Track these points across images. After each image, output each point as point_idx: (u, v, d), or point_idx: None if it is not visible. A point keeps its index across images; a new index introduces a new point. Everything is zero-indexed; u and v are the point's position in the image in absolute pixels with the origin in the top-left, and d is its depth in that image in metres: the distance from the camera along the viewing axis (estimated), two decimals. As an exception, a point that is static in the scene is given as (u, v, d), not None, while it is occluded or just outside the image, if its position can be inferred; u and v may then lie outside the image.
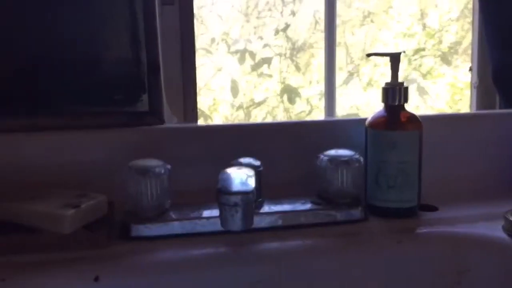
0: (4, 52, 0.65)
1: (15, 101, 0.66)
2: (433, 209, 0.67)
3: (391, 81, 0.65)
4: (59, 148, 0.65)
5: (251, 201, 0.43)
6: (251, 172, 0.48)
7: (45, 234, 0.55)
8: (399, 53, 0.65)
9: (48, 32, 0.65)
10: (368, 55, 0.66)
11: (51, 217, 0.55)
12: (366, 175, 0.65)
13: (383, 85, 0.65)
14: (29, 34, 0.65)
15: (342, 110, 1.21)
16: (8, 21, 0.64)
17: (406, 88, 0.65)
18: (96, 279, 0.52)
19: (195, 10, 0.82)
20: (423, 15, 1.28)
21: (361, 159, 0.63)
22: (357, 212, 0.63)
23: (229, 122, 0.93)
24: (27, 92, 0.66)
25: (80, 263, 0.53)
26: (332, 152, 0.64)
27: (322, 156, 0.64)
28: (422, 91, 1.30)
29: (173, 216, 0.60)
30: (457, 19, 1.26)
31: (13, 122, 0.65)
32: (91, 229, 0.56)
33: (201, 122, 0.91)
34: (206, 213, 0.60)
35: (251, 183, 0.45)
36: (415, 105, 1.30)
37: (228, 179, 0.46)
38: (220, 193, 0.43)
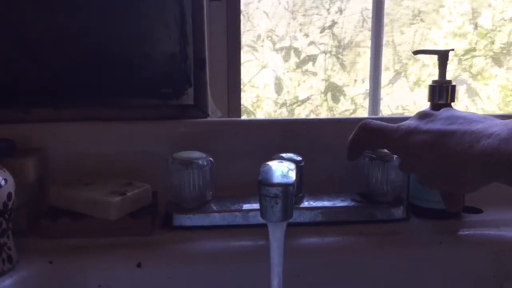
0: (62, 48, 0.67)
1: (71, 93, 0.69)
2: (478, 211, 0.66)
3: (439, 79, 0.64)
4: (109, 138, 0.68)
5: (291, 193, 0.44)
6: (292, 165, 0.48)
7: (92, 220, 0.57)
8: (447, 51, 0.63)
9: (103, 29, 0.68)
10: (415, 52, 0.65)
11: (98, 204, 0.57)
12: (409, 174, 0.64)
13: (430, 82, 0.64)
14: (84, 30, 0.67)
15: (388, 110, 1.20)
16: (66, 20, 0.67)
17: (454, 87, 0.63)
18: (139, 265, 0.54)
19: (242, 7, 0.83)
20: (475, 14, 1.24)
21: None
22: (398, 211, 0.63)
23: (272, 117, 0.94)
24: (83, 84, 0.69)
25: (124, 249, 0.55)
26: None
27: (364, 154, 0.63)
28: (472, 92, 1.26)
29: (214, 207, 0.61)
30: (511, 19, 1.22)
31: (68, 112, 0.68)
32: (136, 217, 0.58)
33: (244, 118, 0.92)
34: (247, 206, 0.61)
35: (292, 175, 0.46)
36: (465, 106, 1.26)
37: (269, 171, 0.47)
38: (261, 185, 0.44)
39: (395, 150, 0.51)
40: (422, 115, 0.49)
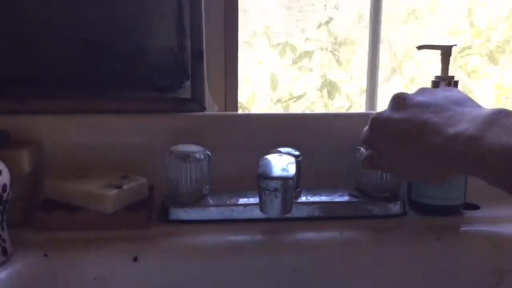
0: (58, 39, 0.67)
1: (67, 85, 0.68)
2: (475, 207, 0.66)
3: (441, 74, 0.64)
4: (105, 130, 0.67)
5: (290, 187, 0.43)
6: (291, 159, 0.48)
7: (88, 213, 0.57)
8: (450, 46, 0.63)
9: (99, 21, 0.67)
10: (419, 47, 0.65)
11: (94, 197, 0.57)
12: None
13: (432, 78, 0.64)
14: (81, 21, 0.67)
15: (383, 107, 1.19)
16: (63, 11, 0.66)
17: (456, 82, 0.63)
18: (135, 259, 0.53)
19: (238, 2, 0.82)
20: (470, 13, 1.25)
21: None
22: (395, 207, 0.62)
23: (269, 112, 0.94)
24: (79, 76, 0.68)
25: (120, 243, 0.55)
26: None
27: (362, 149, 0.63)
28: (467, 90, 1.27)
29: (211, 201, 0.61)
30: (506, 18, 1.22)
31: (64, 104, 0.67)
32: (132, 210, 0.58)
33: (241, 112, 0.91)
34: (244, 200, 0.61)
35: (292, 169, 0.45)
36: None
37: (268, 164, 0.46)
38: (261, 178, 0.44)
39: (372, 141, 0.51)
40: (396, 98, 0.48)
